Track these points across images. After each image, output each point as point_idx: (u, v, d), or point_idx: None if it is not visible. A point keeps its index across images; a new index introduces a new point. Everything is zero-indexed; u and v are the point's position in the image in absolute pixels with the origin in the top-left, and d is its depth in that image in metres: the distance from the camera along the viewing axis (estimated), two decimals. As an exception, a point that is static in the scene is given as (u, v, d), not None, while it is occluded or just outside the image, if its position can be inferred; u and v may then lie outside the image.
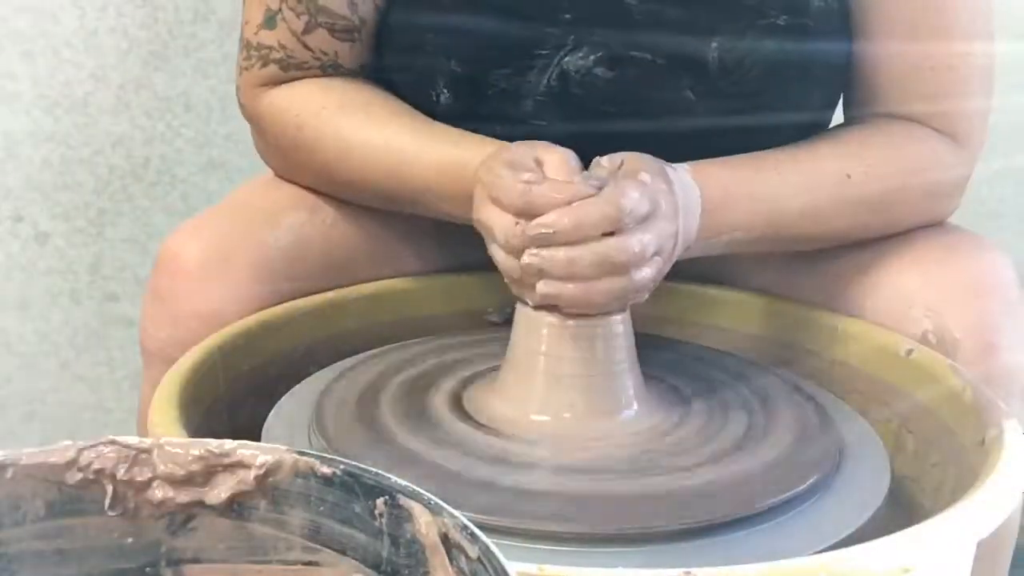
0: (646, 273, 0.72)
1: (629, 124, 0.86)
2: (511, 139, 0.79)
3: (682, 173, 0.79)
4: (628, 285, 0.72)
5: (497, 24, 0.86)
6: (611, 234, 0.70)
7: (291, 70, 0.91)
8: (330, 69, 0.92)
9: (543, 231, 0.70)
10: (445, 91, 0.88)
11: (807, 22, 0.86)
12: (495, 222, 0.73)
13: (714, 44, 0.85)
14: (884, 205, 0.88)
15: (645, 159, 0.76)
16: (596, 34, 0.85)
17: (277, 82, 0.92)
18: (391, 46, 0.92)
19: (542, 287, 0.72)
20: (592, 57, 0.85)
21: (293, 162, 0.94)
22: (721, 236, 0.82)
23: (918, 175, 0.89)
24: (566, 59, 0.85)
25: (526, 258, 0.71)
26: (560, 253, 0.70)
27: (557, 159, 0.74)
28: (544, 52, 0.86)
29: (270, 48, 0.91)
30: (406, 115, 0.89)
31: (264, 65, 0.91)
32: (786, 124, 0.89)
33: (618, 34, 0.85)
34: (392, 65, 0.92)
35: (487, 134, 0.85)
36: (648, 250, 0.72)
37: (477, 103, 0.87)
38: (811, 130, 0.92)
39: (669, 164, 0.78)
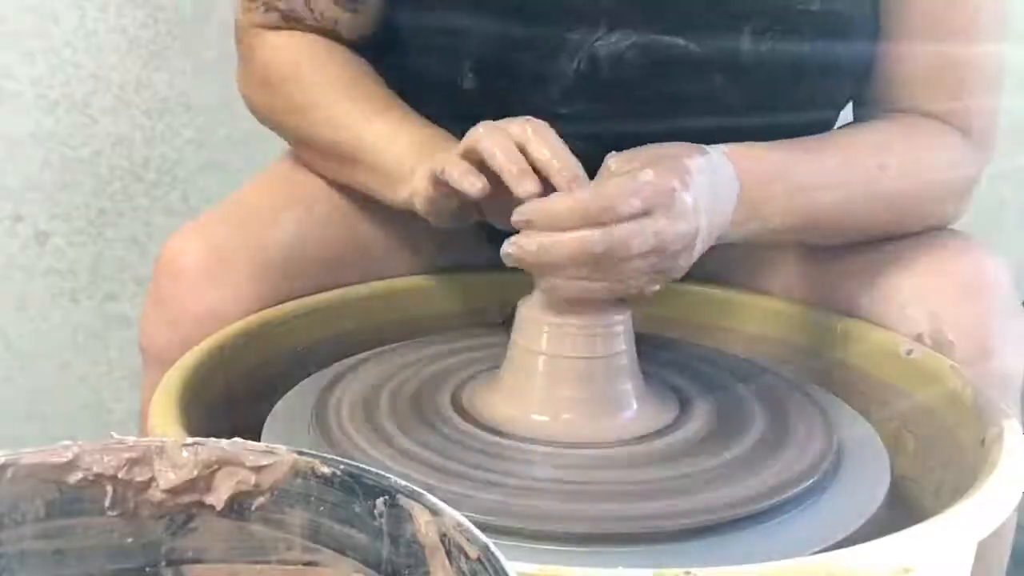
0: (636, 267, 0.71)
1: (657, 112, 0.84)
2: None
3: (718, 160, 0.78)
4: (597, 273, 0.71)
5: (527, 4, 0.84)
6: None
7: (291, 22, 0.92)
8: (328, 34, 0.93)
9: (518, 218, 0.71)
10: (470, 74, 0.87)
11: (838, 7, 0.85)
12: None
13: (748, 29, 0.83)
14: (910, 202, 0.88)
15: (664, 154, 0.75)
16: (629, 19, 0.83)
17: (276, 27, 0.93)
18: (415, 26, 0.90)
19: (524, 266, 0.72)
20: (624, 43, 0.83)
21: (267, 105, 0.95)
22: (752, 223, 0.80)
23: (941, 173, 0.88)
24: (598, 43, 0.84)
25: (504, 247, 0.71)
26: (533, 240, 0.70)
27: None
28: (575, 36, 0.84)
29: None
30: (367, 99, 0.89)
31: (267, 11, 0.92)
32: (811, 113, 0.88)
33: (652, 19, 0.83)
34: (416, 45, 0.91)
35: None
36: (634, 246, 0.70)
37: (503, 87, 0.85)
38: (829, 122, 0.92)
39: (704, 152, 0.77)
